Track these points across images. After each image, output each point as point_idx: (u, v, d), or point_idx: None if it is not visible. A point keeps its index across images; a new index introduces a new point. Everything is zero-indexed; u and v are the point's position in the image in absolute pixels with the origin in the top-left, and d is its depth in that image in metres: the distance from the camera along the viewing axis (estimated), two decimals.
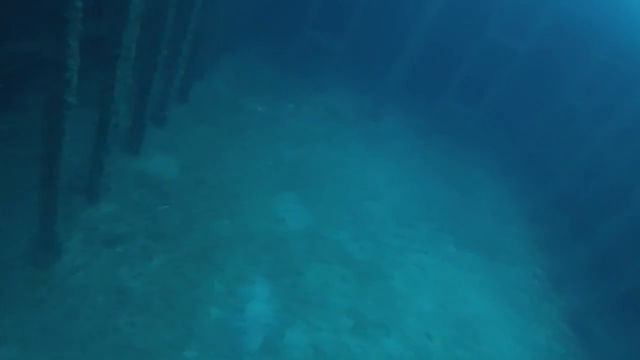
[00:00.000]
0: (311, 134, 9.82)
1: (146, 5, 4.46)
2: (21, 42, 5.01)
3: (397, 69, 10.73)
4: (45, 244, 4.63)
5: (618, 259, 9.65)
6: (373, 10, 10.75)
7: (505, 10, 10.31)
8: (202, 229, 6.43)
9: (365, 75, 11.65)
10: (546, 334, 8.65)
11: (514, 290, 9.06)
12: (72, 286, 4.95)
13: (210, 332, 5.41)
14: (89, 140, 5.12)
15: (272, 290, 6.40)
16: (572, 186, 10.48)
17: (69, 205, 5.25)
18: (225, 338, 5.48)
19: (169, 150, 7.00)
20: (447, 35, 11.05)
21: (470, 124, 11.83)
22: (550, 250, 10.46)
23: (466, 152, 11.85)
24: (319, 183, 8.62)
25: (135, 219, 5.90)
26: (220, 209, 6.83)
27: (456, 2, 10.36)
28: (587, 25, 10.77)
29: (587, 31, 10.76)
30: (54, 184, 4.04)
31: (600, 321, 9.40)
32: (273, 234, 7.11)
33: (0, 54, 4.89)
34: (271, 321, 6.00)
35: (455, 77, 11.04)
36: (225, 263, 6.30)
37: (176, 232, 6.16)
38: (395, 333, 6.94)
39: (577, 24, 10.94)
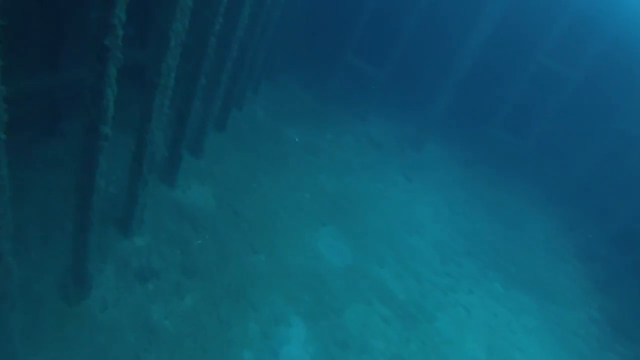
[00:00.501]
0: (352, 164, 9.49)
1: (187, 34, 4.29)
2: (68, 70, 4.93)
3: (441, 98, 10.35)
4: (77, 278, 4.41)
5: None
6: (418, 37, 10.49)
7: (555, 36, 9.85)
8: (238, 264, 6.12)
9: (408, 105, 11.32)
10: None
11: (569, 335, 8.32)
12: (103, 323, 4.69)
13: None
14: (126, 170, 4.94)
15: (310, 332, 5.99)
16: (633, 221, 9.71)
17: (103, 236, 5.05)
18: None
19: (205, 181, 6.79)
20: (493, 63, 10.65)
21: (517, 154, 11.25)
22: (608, 291, 9.66)
23: (513, 183, 11.25)
24: (360, 216, 8.24)
25: (169, 253, 5.65)
26: (257, 244, 6.53)
27: (503, 28, 9.99)
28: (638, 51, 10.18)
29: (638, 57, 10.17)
30: (87, 216, 3.83)
31: None
32: (312, 271, 6.74)
33: (48, 82, 4.82)
34: None
35: (501, 105, 10.57)
36: (261, 302, 5.95)
37: (211, 267, 5.87)
38: None
39: (628, 51, 10.35)
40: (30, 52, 4.58)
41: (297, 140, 9.15)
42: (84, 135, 3.37)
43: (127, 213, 5.02)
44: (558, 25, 9.90)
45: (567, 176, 11.27)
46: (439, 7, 10.99)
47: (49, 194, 5.17)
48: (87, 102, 3.26)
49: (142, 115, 4.35)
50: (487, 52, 10.41)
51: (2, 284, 2.98)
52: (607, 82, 10.87)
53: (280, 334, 5.79)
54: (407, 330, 6.71)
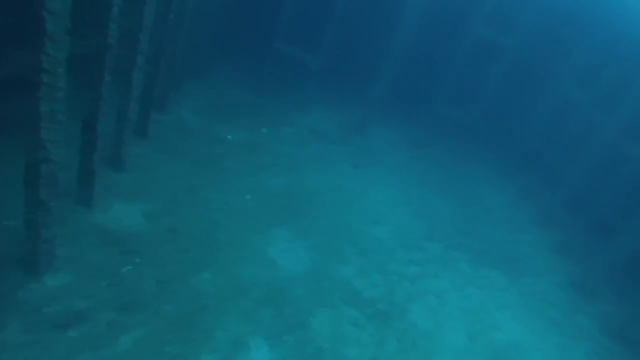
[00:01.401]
0: (295, 158, 8.78)
1: (76, 20, 3.41)
2: None
3: (381, 79, 9.83)
4: None
5: None
6: (350, 17, 9.91)
7: (489, 4, 9.56)
8: (182, 288, 5.27)
9: (348, 89, 10.74)
10: (586, 351, 7.64)
11: (541, 305, 8.05)
12: None
13: None
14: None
15: (275, 353, 5.24)
16: (584, 185, 9.62)
17: (3, 282, 4.08)
18: None
19: (132, 197, 5.86)
20: (432, 37, 10.27)
21: (464, 129, 10.96)
22: (569, 255, 9.53)
23: (463, 159, 10.95)
24: (312, 213, 7.55)
25: (95, 289, 4.72)
26: (202, 261, 5.69)
27: (438, 1, 9.60)
28: (579, 14, 10.09)
29: (579, 20, 10.07)
30: None
31: (638, 325, 8.43)
32: (267, 282, 5.98)
33: None
34: None
35: (444, 81, 10.20)
36: (214, 327, 5.13)
37: (151, 297, 4.99)
38: None
39: (561, 16, 10.27)
40: None
41: (229, 138, 8.32)
42: None
43: (31, 249, 4.07)
44: None
45: (514, 146, 11.11)
46: None
47: None
48: None
49: (28, 127, 3.42)
50: (425, 27, 10.00)
51: None
52: (544, 48, 10.75)
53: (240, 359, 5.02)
54: (381, 330, 6.10)
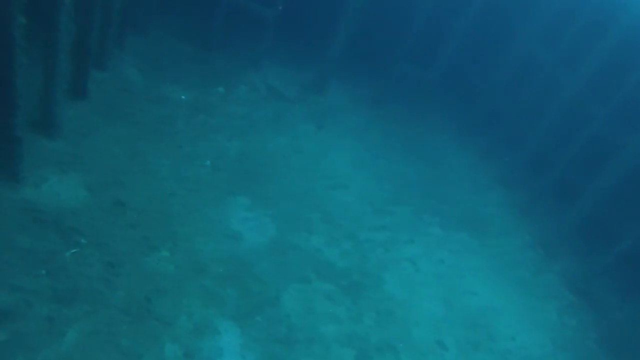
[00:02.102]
0: (252, 119, 8.06)
1: None
2: None
3: (338, 34, 9.12)
4: None
5: (607, 216, 8.79)
6: None
7: None
8: (135, 270, 4.61)
9: (304, 45, 9.97)
10: (555, 307, 7.67)
11: (512, 266, 7.95)
12: None
13: None
14: None
15: (245, 336, 4.73)
16: (547, 144, 9.49)
17: None
18: None
19: (69, 167, 5.03)
20: None
21: (425, 87, 10.49)
22: (533, 215, 9.45)
23: (426, 119, 10.54)
24: (274, 179, 6.95)
25: (29, 279, 3.98)
26: (155, 237, 5.02)
27: None
28: None
29: None
30: None
31: (602, 282, 8.54)
32: (230, 257, 5.40)
33: None
34: None
35: (405, 36, 9.62)
36: (173, 312, 4.54)
37: (97, 284, 4.30)
38: (406, 353, 5.53)
39: None
40: None
41: (183, 98, 7.48)
42: None
43: None
44: None
45: (477, 105, 10.79)
46: None
47: None
48: None
49: None
50: None
51: None
52: (508, 3, 10.33)
53: (208, 347, 4.47)
54: (357, 303, 5.70)
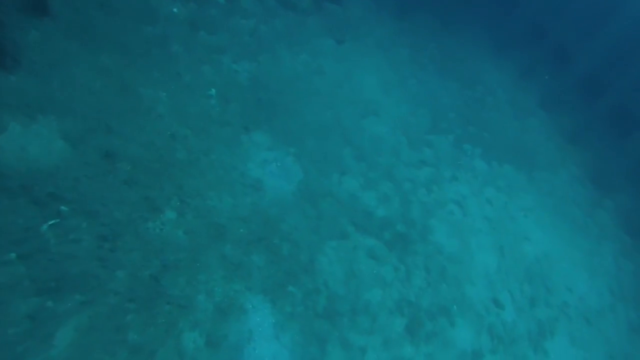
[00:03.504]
0: (261, 35, 6.72)
1: None
2: None
3: None
4: None
5: None
6: None
7: None
8: (135, 242, 3.61)
9: None
10: (611, 250, 6.84)
11: (562, 204, 7.03)
12: None
13: None
14: None
15: (278, 313, 3.85)
16: (601, 65, 8.19)
17: None
18: None
19: (36, 111, 3.86)
20: None
21: None
22: (583, 144, 8.39)
23: (458, 31, 9.12)
24: (294, 107, 5.79)
25: None
26: (156, 196, 3.97)
27: None
28: None
29: None
30: None
31: None
32: (253, 213, 4.40)
33: None
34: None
35: None
36: (190, 293, 3.61)
37: (89, 265, 3.32)
38: (461, 316, 4.72)
39: None
40: None
41: (175, 11, 6.09)
42: None
43: None
44: None
45: (517, 17, 9.28)
46: None
47: None
48: None
49: None
50: None
51: None
52: None
53: (235, 331, 3.61)
54: (403, 260, 4.80)
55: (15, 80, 3.75)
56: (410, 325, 4.38)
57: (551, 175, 7.32)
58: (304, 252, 4.35)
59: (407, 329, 4.35)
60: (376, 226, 4.93)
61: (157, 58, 5.20)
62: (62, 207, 3.41)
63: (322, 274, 4.28)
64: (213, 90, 5.23)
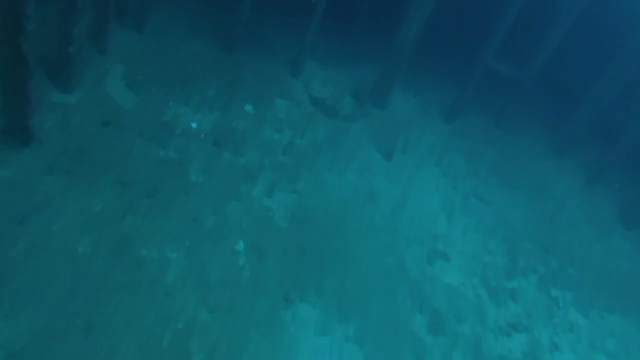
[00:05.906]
0: (298, 151, 5.50)
1: None
2: None
3: (411, 25, 6.48)
4: None
5: None
6: None
7: None
8: None
9: (357, 35, 7.34)
10: None
11: None
12: None
13: None
14: None
15: None
16: None
17: None
18: None
19: None
20: None
21: (513, 91, 7.82)
22: None
23: (514, 132, 7.86)
24: (345, 255, 4.41)
25: None
26: None
27: None
28: None
29: None
30: None
31: None
32: None
33: None
34: None
35: (496, 26, 6.95)
36: None
37: None
38: None
39: None
40: None
41: (194, 126, 4.90)
42: None
43: None
44: None
45: (578, 114, 8.05)
46: None
47: None
48: None
49: None
50: None
51: None
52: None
53: None
54: None
55: None
56: None
57: None
58: None
59: None
60: None
61: (168, 195, 3.90)
62: None
63: None
64: (241, 244, 3.85)
